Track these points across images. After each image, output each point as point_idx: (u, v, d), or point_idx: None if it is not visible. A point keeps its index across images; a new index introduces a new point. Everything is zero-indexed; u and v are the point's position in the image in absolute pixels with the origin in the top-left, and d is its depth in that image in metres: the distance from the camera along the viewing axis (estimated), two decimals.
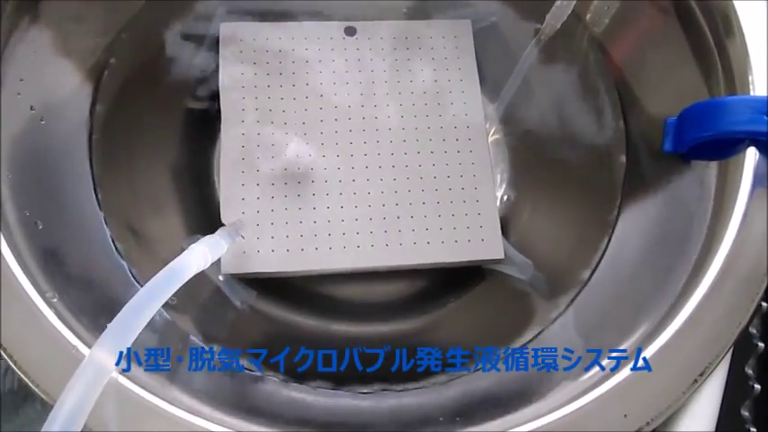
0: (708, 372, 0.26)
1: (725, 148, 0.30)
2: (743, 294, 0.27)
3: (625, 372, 0.26)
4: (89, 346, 0.26)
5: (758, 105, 0.28)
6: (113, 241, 0.33)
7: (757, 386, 0.37)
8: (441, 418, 0.31)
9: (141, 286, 0.32)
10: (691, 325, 0.26)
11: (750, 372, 0.37)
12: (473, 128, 0.37)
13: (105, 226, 0.33)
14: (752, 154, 0.29)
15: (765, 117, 0.28)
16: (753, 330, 0.38)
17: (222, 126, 0.36)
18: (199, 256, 0.29)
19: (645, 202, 0.34)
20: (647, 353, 0.26)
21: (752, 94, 0.30)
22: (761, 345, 0.37)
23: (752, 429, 0.36)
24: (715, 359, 0.26)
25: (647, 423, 0.25)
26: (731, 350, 0.27)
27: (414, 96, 0.38)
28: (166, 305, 0.32)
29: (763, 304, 0.38)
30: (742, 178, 0.29)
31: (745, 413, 0.37)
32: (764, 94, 0.30)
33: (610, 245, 0.35)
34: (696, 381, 0.25)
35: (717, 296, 0.27)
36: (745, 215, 0.28)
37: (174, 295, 0.33)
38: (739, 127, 0.29)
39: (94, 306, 0.29)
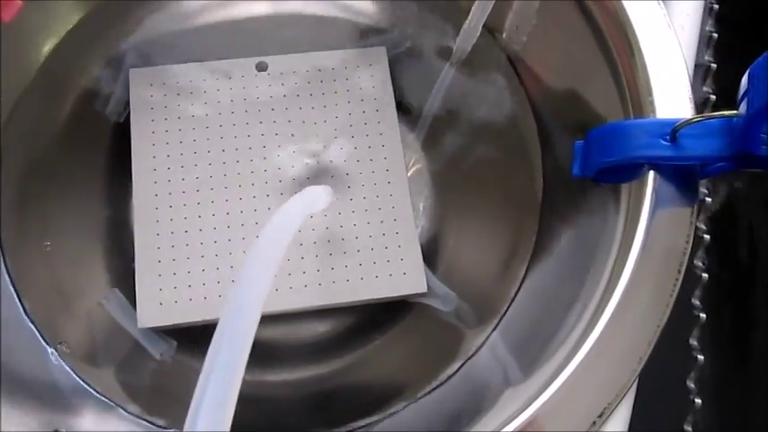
0: (607, 413, 0.25)
1: (628, 171, 0.29)
2: (642, 328, 0.26)
3: (526, 413, 0.25)
4: None
5: (653, 129, 0.28)
6: (22, 303, 0.32)
7: (698, 400, 0.36)
8: None
9: (54, 350, 0.32)
10: (590, 363, 0.26)
11: (692, 386, 0.37)
12: (391, 158, 0.37)
13: (13, 290, 0.33)
14: (653, 176, 0.28)
15: (661, 141, 0.27)
16: (693, 342, 0.37)
17: (134, 175, 0.35)
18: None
19: (562, 223, 0.34)
20: (549, 392, 0.26)
21: (652, 115, 0.29)
22: (700, 357, 0.37)
23: None
24: (615, 399, 0.25)
25: None
26: (634, 388, 0.26)
27: (329, 130, 0.37)
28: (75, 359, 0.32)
29: (702, 315, 0.37)
30: (643, 202, 0.28)
31: (688, 428, 0.36)
32: (665, 115, 0.29)
33: (530, 267, 0.35)
34: (595, 423, 0.25)
35: (617, 331, 0.26)
36: (645, 240, 0.27)
37: (83, 346, 0.33)
38: (636, 152, 0.28)
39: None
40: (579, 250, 0.32)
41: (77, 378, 0.32)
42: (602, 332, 0.26)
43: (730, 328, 0.40)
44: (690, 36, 0.32)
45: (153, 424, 0.31)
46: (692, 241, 0.27)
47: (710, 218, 0.39)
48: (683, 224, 0.28)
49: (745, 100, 0.24)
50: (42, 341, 0.32)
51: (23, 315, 0.32)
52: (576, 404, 0.25)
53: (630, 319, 0.26)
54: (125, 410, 0.32)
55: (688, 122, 0.26)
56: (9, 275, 0.33)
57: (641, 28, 0.30)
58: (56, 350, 0.33)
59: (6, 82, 0.35)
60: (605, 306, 0.27)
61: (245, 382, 0.34)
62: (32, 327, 0.32)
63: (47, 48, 0.36)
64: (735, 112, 0.25)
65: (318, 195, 0.31)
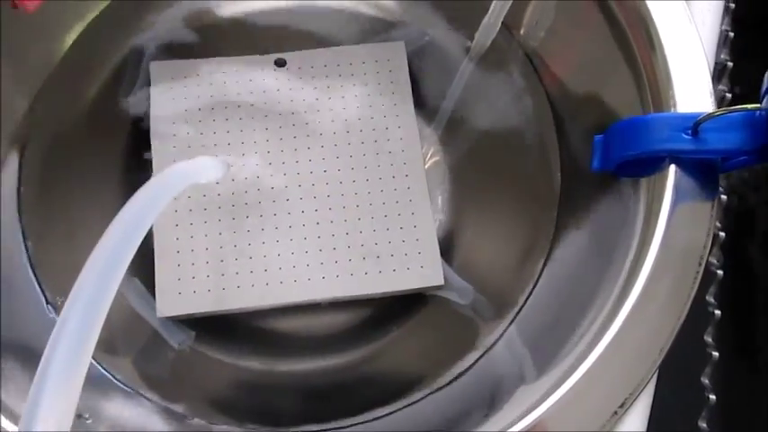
0: (628, 403, 0.25)
1: (649, 165, 0.29)
2: (663, 320, 0.26)
3: (546, 404, 0.25)
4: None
5: (675, 123, 0.28)
6: (44, 293, 0.33)
7: (712, 396, 0.36)
8: None
9: None
10: (610, 354, 0.26)
11: (706, 382, 0.37)
12: (408, 152, 0.37)
13: (34, 279, 0.33)
14: (674, 170, 0.29)
15: (683, 135, 0.28)
16: (708, 339, 0.38)
17: (154, 165, 0.36)
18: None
19: (580, 218, 0.34)
20: (569, 382, 0.26)
21: (673, 110, 0.29)
22: (715, 354, 0.37)
23: None
24: (635, 390, 0.25)
25: None
26: (655, 377, 0.26)
27: (347, 123, 0.37)
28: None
29: (717, 312, 0.37)
30: (664, 195, 0.28)
31: (703, 424, 0.36)
32: (686, 110, 0.29)
33: (548, 260, 0.35)
34: (616, 413, 0.25)
35: (638, 323, 0.26)
36: (666, 234, 0.27)
37: (102, 335, 0.33)
38: (658, 145, 0.28)
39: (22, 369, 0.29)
40: (598, 244, 0.32)
41: (98, 366, 0.32)
42: (622, 324, 0.26)
43: (744, 325, 0.40)
44: (710, 33, 0.32)
45: (173, 412, 0.32)
46: (711, 235, 0.27)
47: (725, 215, 0.39)
48: (703, 218, 0.28)
49: None
50: None
51: (44, 303, 0.33)
52: (596, 394, 0.25)
53: (651, 312, 0.26)
54: (145, 398, 0.32)
55: (710, 116, 0.27)
56: (30, 261, 0.33)
57: (662, 23, 0.30)
58: None
59: (31, 69, 0.35)
60: (625, 299, 0.27)
61: (258, 373, 0.34)
62: (54, 315, 0.32)
63: (70, 37, 0.37)
64: (757, 105, 0.25)
65: (208, 166, 0.30)
